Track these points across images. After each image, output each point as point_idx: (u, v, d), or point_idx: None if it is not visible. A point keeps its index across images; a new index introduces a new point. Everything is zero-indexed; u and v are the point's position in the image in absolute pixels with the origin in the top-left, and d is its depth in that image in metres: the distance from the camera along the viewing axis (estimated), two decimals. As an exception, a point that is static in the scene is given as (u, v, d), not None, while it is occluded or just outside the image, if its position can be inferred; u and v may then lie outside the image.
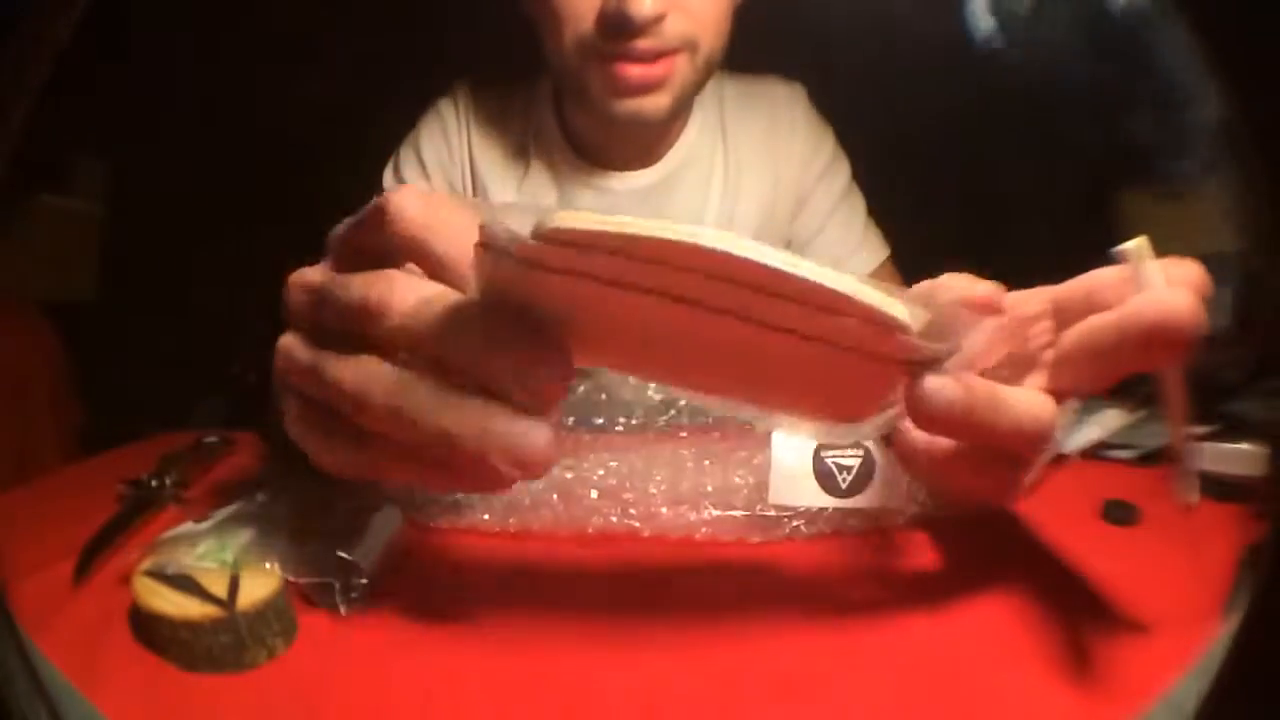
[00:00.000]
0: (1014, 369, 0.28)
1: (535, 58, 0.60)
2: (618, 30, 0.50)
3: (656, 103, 0.55)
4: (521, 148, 0.66)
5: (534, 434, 0.22)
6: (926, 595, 0.34)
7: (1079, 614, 0.31)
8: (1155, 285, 0.25)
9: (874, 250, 0.70)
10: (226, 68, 0.84)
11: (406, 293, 0.23)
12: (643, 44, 0.51)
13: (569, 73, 0.55)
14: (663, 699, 0.28)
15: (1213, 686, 0.21)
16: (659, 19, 0.50)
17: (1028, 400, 0.25)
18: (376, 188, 0.70)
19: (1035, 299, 0.29)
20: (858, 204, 0.70)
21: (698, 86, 0.58)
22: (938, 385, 0.23)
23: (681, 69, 0.54)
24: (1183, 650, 0.27)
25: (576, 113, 0.62)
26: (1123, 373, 0.27)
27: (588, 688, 0.29)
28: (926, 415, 0.23)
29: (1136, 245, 0.26)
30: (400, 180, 0.67)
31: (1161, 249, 0.27)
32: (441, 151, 0.66)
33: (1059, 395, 0.27)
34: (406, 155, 0.67)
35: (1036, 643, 0.30)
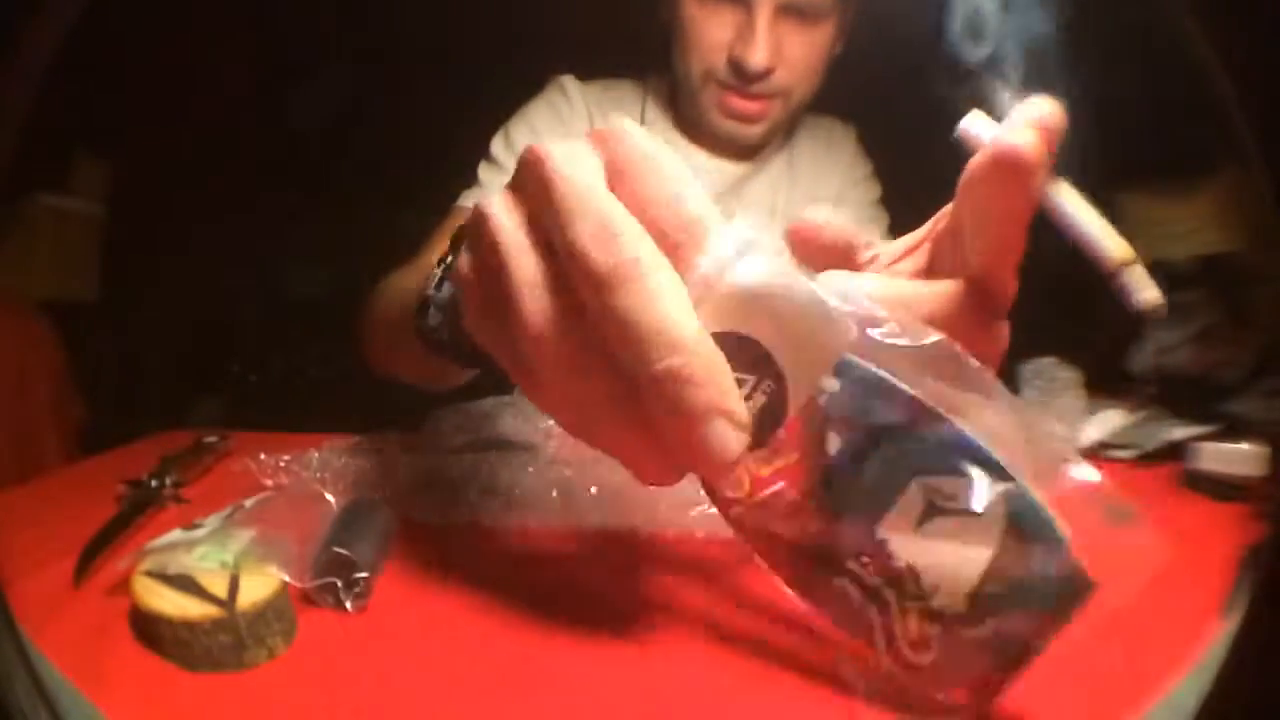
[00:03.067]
0: None
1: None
2: (737, 73, 0.64)
3: (751, 131, 0.68)
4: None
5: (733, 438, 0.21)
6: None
7: (1079, 613, 0.31)
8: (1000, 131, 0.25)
9: None
10: (227, 67, 0.84)
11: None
12: (752, 86, 0.65)
13: (690, 86, 0.68)
14: (662, 696, 0.28)
15: (1213, 686, 0.21)
16: (769, 72, 0.63)
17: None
18: (380, 189, 0.71)
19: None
20: (881, 219, 0.78)
21: (788, 124, 0.72)
22: None
23: (775, 111, 0.68)
24: (1183, 650, 0.27)
25: (689, 110, 0.72)
26: (991, 215, 0.27)
27: (587, 685, 0.29)
28: None
29: (974, 116, 0.27)
30: (511, 146, 0.72)
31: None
32: (556, 127, 0.73)
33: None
34: (517, 126, 0.73)
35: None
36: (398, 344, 0.46)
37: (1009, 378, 0.54)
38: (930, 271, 0.31)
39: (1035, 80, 0.28)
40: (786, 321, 0.22)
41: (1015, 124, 0.25)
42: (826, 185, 0.78)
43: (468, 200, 0.69)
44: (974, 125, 0.27)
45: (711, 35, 0.64)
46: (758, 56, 0.62)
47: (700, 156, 0.73)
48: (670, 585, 0.36)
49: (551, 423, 0.53)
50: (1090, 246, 0.26)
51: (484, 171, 0.72)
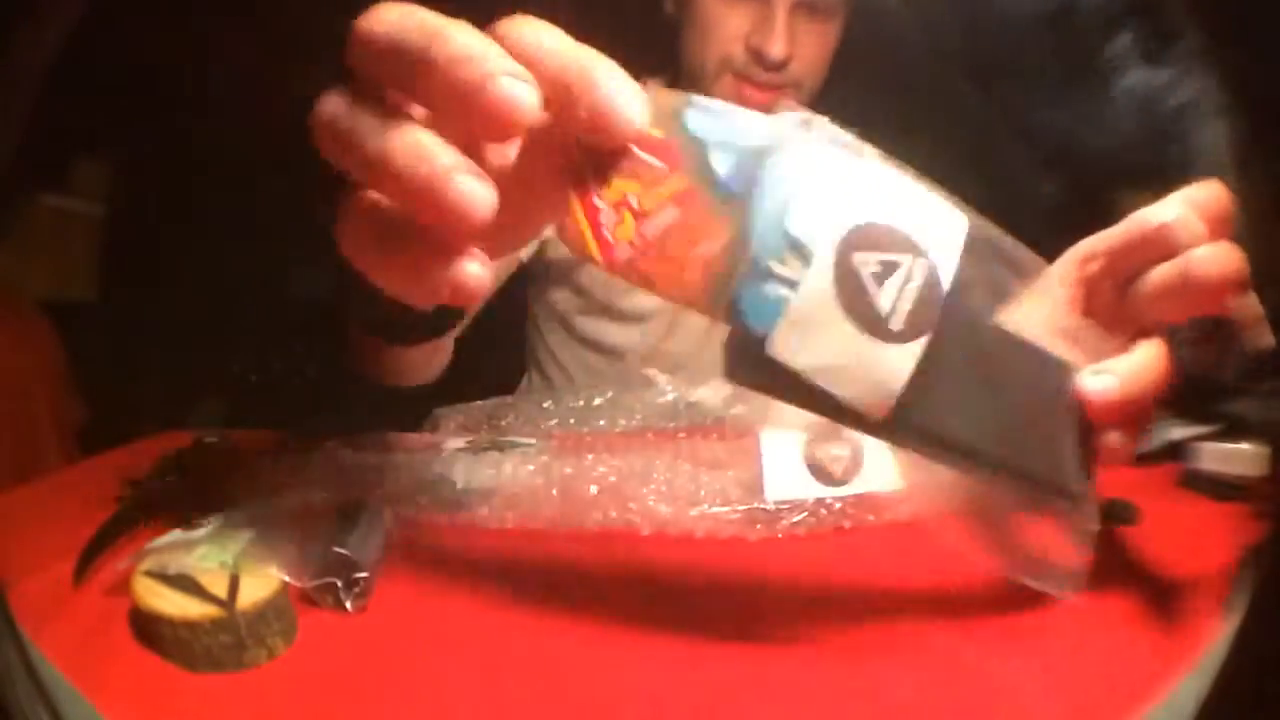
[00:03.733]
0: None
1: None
2: (756, 61, 0.66)
3: None
4: None
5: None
6: (925, 593, 0.34)
7: (1079, 613, 0.31)
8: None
9: None
10: (227, 67, 0.84)
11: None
12: (767, 76, 0.66)
13: (703, 79, 0.68)
14: (663, 697, 0.28)
15: (1213, 686, 0.21)
16: (787, 61, 0.66)
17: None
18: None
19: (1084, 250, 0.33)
20: None
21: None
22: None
23: (788, 100, 0.63)
24: (1183, 650, 0.27)
25: None
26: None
27: (588, 685, 0.29)
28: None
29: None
30: None
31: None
32: None
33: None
34: None
35: (1036, 642, 0.30)
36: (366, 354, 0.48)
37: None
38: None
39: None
40: None
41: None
42: None
43: None
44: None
45: (730, 25, 0.66)
46: (778, 46, 0.64)
47: None
48: (671, 585, 0.36)
49: (553, 422, 0.53)
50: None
51: None
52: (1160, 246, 0.30)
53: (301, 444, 0.46)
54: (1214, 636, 0.22)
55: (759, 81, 0.67)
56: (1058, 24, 0.60)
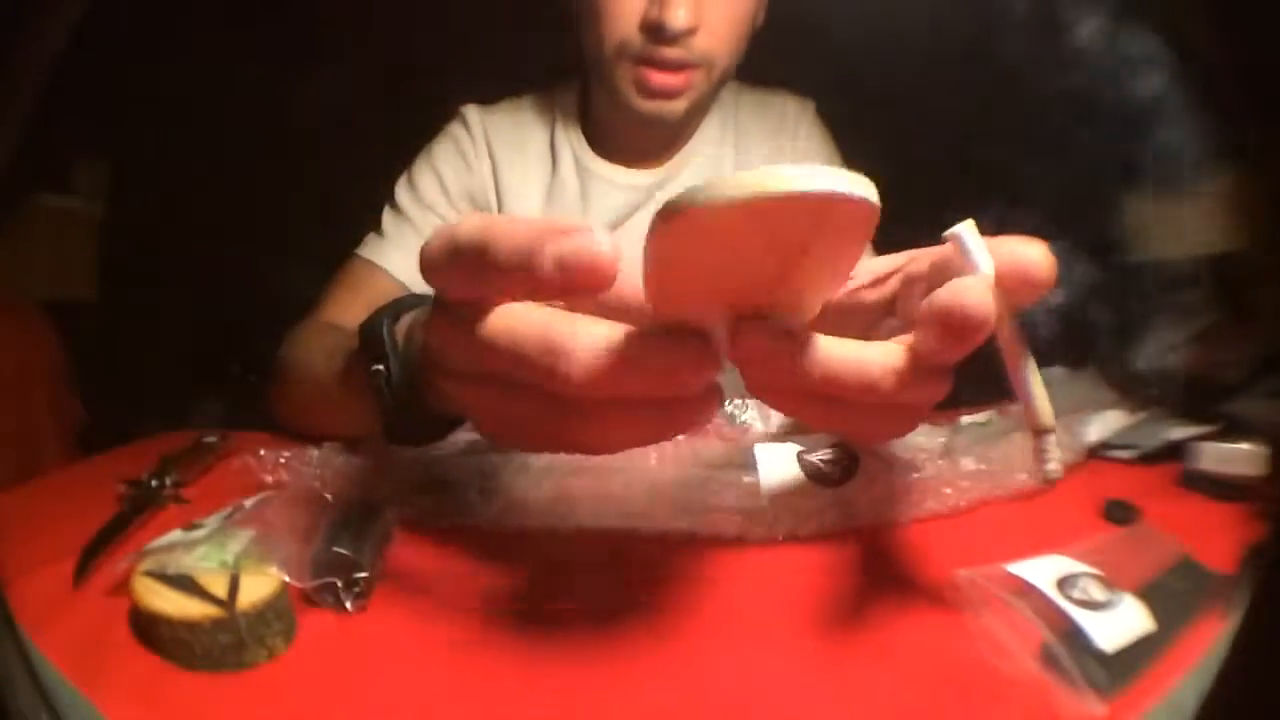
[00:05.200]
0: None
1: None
2: (655, 36, 0.58)
3: (673, 108, 0.62)
4: (547, 149, 0.71)
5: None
6: (924, 594, 0.34)
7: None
8: (982, 265, 0.27)
9: None
10: (228, 67, 0.84)
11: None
12: (670, 54, 0.59)
13: (604, 70, 0.62)
14: (664, 698, 0.28)
15: (1213, 686, 0.21)
16: (691, 32, 0.58)
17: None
18: (384, 196, 0.71)
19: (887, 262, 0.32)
20: None
21: (710, 98, 0.66)
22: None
23: (698, 82, 0.62)
24: (1183, 650, 0.27)
25: (602, 113, 0.69)
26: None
27: (588, 686, 0.29)
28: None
29: (965, 227, 0.28)
30: (415, 193, 0.69)
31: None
32: (459, 166, 0.70)
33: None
34: (421, 171, 0.70)
35: (1036, 641, 0.30)
36: (328, 404, 0.47)
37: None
38: (894, 309, 0.31)
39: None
40: None
41: (1020, 251, 0.26)
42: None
43: (369, 251, 0.66)
44: (965, 237, 0.28)
45: (624, 5, 0.58)
46: (678, 14, 0.56)
47: (613, 170, 0.70)
48: (671, 587, 0.36)
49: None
50: (1027, 403, 0.28)
51: (388, 220, 0.68)
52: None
53: (301, 444, 0.46)
54: (1214, 636, 0.22)
55: (662, 61, 0.59)
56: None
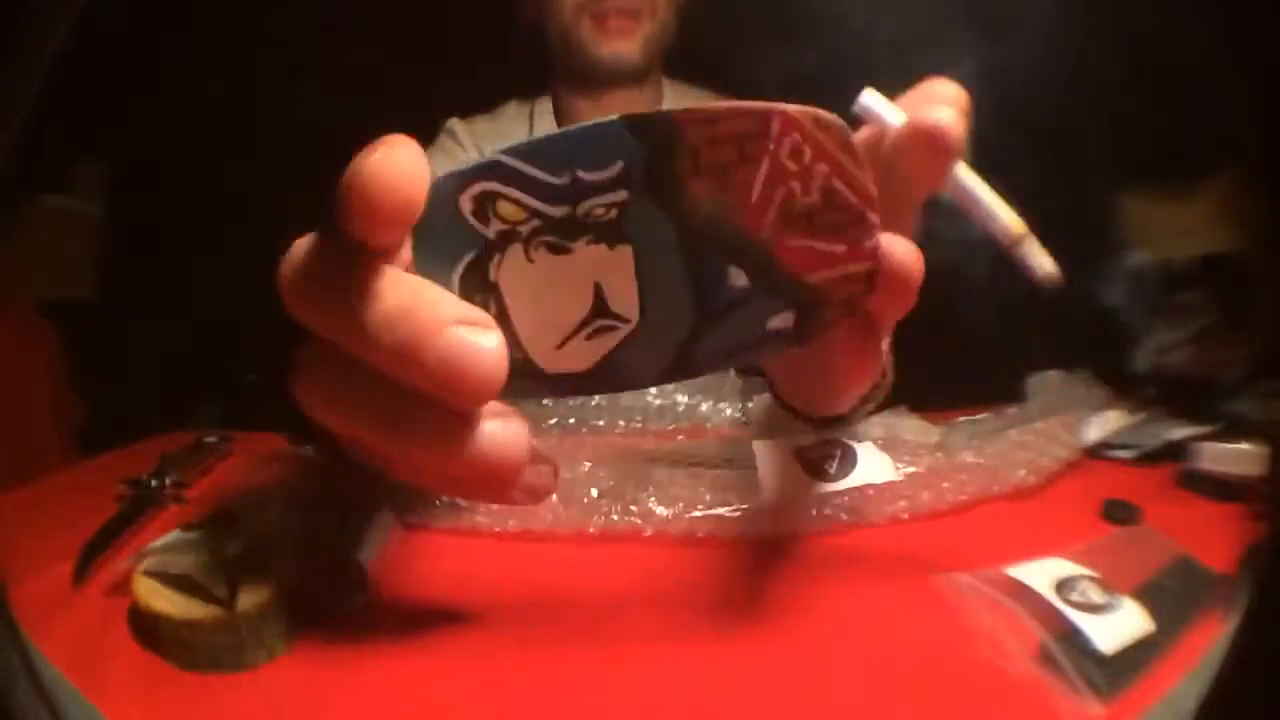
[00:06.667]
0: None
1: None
2: None
3: (631, 49, 0.70)
4: None
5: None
6: (923, 596, 0.34)
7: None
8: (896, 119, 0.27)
9: None
10: (228, 68, 0.84)
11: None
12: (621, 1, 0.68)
13: (568, 31, 0.69)
14: (665, 698, 0.28)
15: (1213, 686, 0.21)
16: None
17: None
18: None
19: None
20: None
21: (659, 41, 0.73)
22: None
23: (646, 26, 0.71)
24: (1182, 651, 0.27)
25: (570, 104, 0.75)
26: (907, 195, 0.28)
27: (588, 688, 0.29)
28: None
29: (867, 95, 0.28)
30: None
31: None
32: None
33: None
34: None
35: (1034, 643, 0.30)
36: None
37: (1017, 390, 0.54)
38: None
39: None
40: None
41: (930, 103, 0.26)
42: None
43: None
44: (872, 103, 0.27)
45: None
46: None
47: None
48: (672, 587, 0.36)
49: (552, 422, 0.53)
50: (989, 222, 0.27)
51: None
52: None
53: (301, 444, 0.46)
54: (1213, 637, 0.22)
55: (615, 7, 0.68)
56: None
